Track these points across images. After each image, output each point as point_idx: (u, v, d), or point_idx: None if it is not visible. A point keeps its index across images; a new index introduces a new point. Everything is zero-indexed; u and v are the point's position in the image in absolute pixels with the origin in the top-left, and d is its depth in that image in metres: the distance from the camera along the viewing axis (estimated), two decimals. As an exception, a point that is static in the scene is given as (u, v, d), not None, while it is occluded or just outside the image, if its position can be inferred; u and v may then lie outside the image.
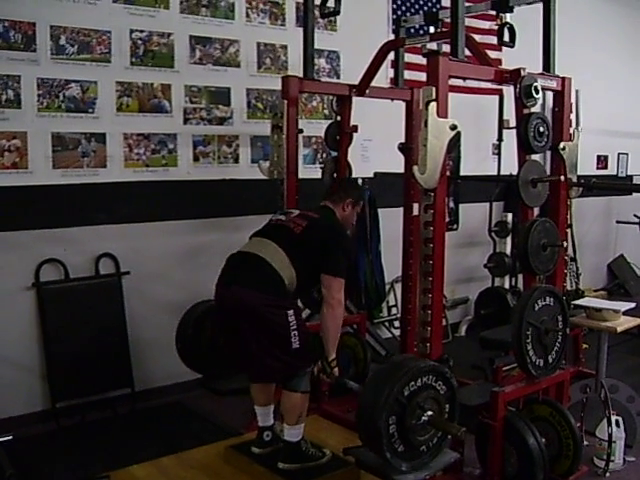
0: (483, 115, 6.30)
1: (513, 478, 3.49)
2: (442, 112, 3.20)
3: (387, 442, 2.93)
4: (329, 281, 3.47)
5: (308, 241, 3.51)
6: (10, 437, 3.98)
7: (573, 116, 6.65)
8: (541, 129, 3.61)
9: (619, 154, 8.32)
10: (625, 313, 3.99)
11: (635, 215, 7.50)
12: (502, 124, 6.06)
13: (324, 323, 3.52)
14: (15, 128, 4.28)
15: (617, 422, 3.87)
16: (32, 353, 4.46)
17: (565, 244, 3.95)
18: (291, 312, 3.36)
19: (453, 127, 3.23)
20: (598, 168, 8.03)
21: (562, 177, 3.78)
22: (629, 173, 8.48)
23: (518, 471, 3.47)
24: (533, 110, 3.67)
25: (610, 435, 3.80)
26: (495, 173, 6.50)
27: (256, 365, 3.51)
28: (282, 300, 3.39)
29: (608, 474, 3.81)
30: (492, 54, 5.51)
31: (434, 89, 3.17)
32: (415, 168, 3.23)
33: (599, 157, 8.07)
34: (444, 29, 4.43)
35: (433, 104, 3.16)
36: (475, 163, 6.54)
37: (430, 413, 3.03)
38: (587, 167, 7.42)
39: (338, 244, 3.56)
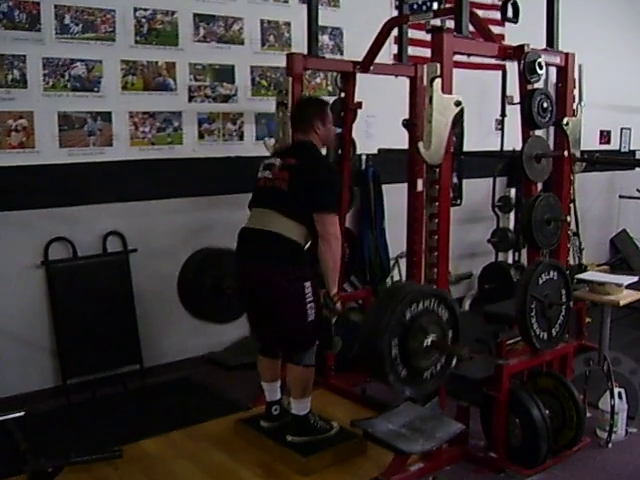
0: (486, 91, 6.30)
1: (517, 449, 3.56)
2: (447, 88, 3.24)
3: (390, 365, 2.92)
4: (321, 217, 3.47)
5: (297, 191, 3.50)
6: (23, 413, 4.03)
7: (576, 91, 6.68)
8: (545, 105, 3.64)
9: (622, 129, 8.30)
10: (628, 287, 4.03)
11: (638, 190, 7.51)
12: (505, 100, 6.07)
13: (322, 259, 3.49)
14: (22, 108, 4.30)
15: (620, 394, 3.91)
16: (42, 330, 4.53)
17: (569, 219, 3.98)
18: (308, 284, 3.45)
19: (458, 103, 3.27)
20: (601, 143, 8.03)
21: (565, 152, 3.81)
22: (632, 148, 8.47)
23: (522, 442, 3.53)
24: (537, 86, 3.70)
25: (613, 407, 3.84)
26: (498, 149, 6.50)
27: (271, 335, 3.67)
28: (299, 270, 3.47)
29: (610, 445, 3.86)
30: (495, 29, 5.52)
31: (439, 65, 3.21)
32: (420, 144, 3.27)
33: (602, 132, 8.07)
34: (447, 5, 4.44)
35: (438, 80, 3.20)
36: (478, 139, 6.54)
37: (433, 336, 3.03)
38: (590, 142, 7.41)
39: (322, 181, 3.53)
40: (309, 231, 3.51)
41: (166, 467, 3.57)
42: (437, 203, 3.38)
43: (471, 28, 3.60)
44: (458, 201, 6.63)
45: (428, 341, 3.01)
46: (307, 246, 3.54)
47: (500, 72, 6.23)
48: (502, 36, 6.01)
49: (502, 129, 6.47)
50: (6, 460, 3.55)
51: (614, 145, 8.25)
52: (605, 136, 8.11)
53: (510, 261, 6.41)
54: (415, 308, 2.99)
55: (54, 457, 3.42)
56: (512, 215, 6.41)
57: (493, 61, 4.78)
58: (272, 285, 3.45)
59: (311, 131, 3.72)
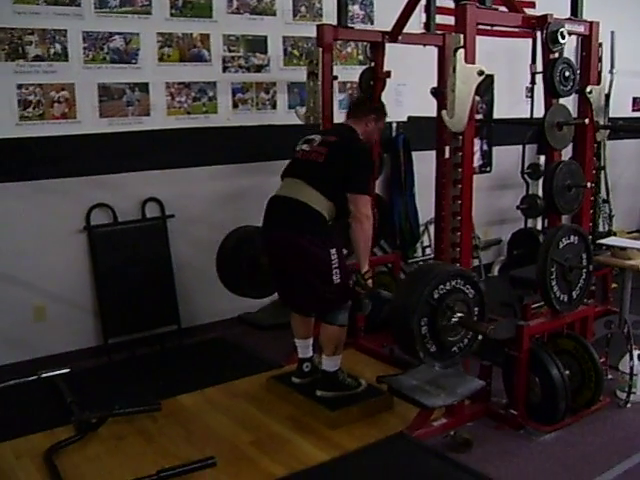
0: (516, 59, 6.31)
1: (537, 407, 3.69)
2: (470, 58, 3.33)
3: (420, 342, 3.14)
4: (354, 198, 3.61)
5: (332, 167, 3.64)
6: (68, 370, 4.25)
7: (608, 58, 6.68)
8: (567, 74, 3.71)
9: (656, 95, 8.26)
10: (650, 252, 4.13)
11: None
12: (532, 68, 6.09)
13: (354, 238, 3.66)
14: (63, 80, 4.47)
15: (639, 356, 4.00)
16: (85, 292, 4.75)
17: (591, 185, 4.05)
18: (334, 251, 3.59)
19: (480, 73, 3.36)
20: (634, 110, 7.98)
21: (587, 120, 3.87)
22: (666, 115, 8.42)
23: (542, 401, 3.67)
24: (562, 54, 3.76)
25: (632, 368, 3.94)
26: (528, 116, 6.54)
27: (301, 299, 3.82)
28: (325, 239, 3.60)
29: (629, 405, 3.96)
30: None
31: (462, 36, 3.30)
32: (444, 112, 3.38)
33: (635, 99, 8.00)
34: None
35: (461, 51, 3.29)
36: (508, 106, 6.58)
37: (460, 314, 3.22)
38: (622, 109, 7.40)
39: (358, 162, 3.68)
40: (336, 207, 3.65)
41: (202, 420, 3.76)
42: (460, 169, 3.49)
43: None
44: (488, 168, 6.70)
45: (455, 319, 3.20)
46: (330, 222, 3.66)
47: (531, 40, 6.25)
48: (533, 3, 6.04)
49: (532, 97, 6.49)
50: (54, 412, 3.80)
51: (647, 112, 8.20)
52: (638, 103, 8.05)
53: (539, 227, 6.46)
54: (442, 288, 3.18)
55: (98, 409, 3.66)
56: (541, 182, 6.44)
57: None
58: (299, 250, 3.58)
59: (362, 121, 3.92)
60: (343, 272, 3.64)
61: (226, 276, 4.21)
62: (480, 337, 3.34)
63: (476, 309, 3.33)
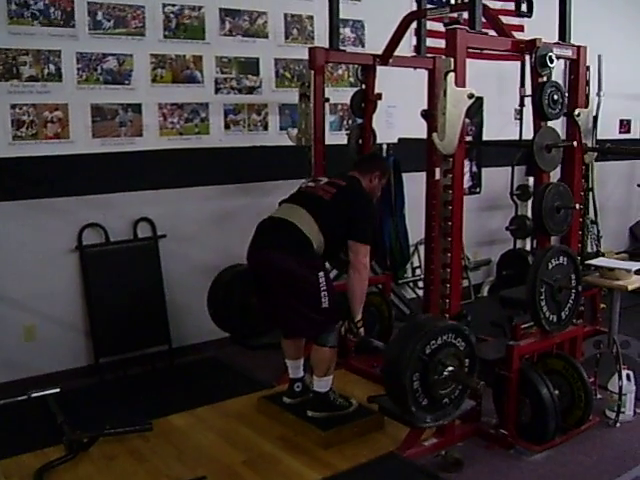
0: (505, 81, 6.39)
1: (527, 427, 3.71)
2: (460, 82, 3.38)
3: (412, 397, 3.20)
4: (356, 247, 3.68)
5: (336, 207, 3.70)
6: (58, 389, 4.26)
7: (595, 81, 6.76)
8: (555, 97, 3.76)
9: (642, 118, 8.35)
10: (637, 272, 4.16)
11: (656, 179, 7.57)
12: (523, 90, 6.17)
13: (351, 286, 3.74)
14: (57, 100, 4.50)
15: (628, 376, 4.03)
16: (76, 312, 4.74)
17: (579, 207, 4.10)
18: (321, 274, 3.61)
19: (471, 96, 3.41)
20: (621, 132, 8.07)
21: (575, 142, 3.93)
22: (652, 137, 8.52)
23: (532, 420, 3.69)
24: (553, 78, 3.82)
25: (621, 388, 3.96)
26: (517, 138, 6.60)
27: (288, 323, 3.82)
28: (312, 261, 3.63)
29: (619, 424, 3.98)
30: (515, 20, 5.66)
31: (452, 60, 3.35)
32: (435, 135, 3.43)
33: (622, 121, 8.10)
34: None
35: (451, 74, 3.34)
36: (497, 128, 6.64)
37: (451, 368, 3.29)
38: (610, 131, 7.49)
39: (365, 211, 3.77)
40: (325, 245, 3.68)
41: (194, 440, 3.76)
42: (451, 191, 3.53)
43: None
44: (477, 189, 6.75)
45: (447, 373, 3.28)
46: (316, 251, 3.68)
47: (519, 62, 6.33)
48: (521, 27, 6.11)
49: (521, 119, 6.56)
50: (45, 432, 3.79)
51: (634, 134, 8.27)
52: (625, 125, 8.15)
53: (528, 248, 6.51)
54: (434, 343, 3.24)
55: (89, 429, 3.66)
56: (530, 203, 6.50)
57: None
58: (286, 271, 3.59)
59: (368, 177, 3.99)
60: (331, 295, 3.65)
61: (218, 317, 4.26)
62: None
63: (467, 361, 3.40)
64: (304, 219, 3.66)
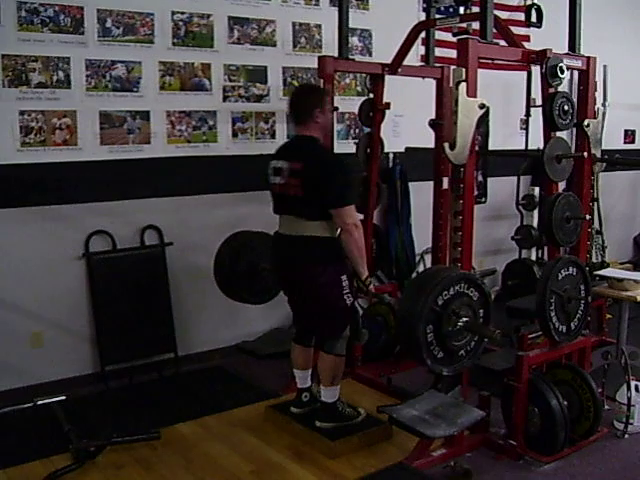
0: (511, 91, 6.38)
1: (536, 438, 3.70)
2: (471, 92, 3.38)
3: (426, 350, 3.18)
4: (337, 212, 3.55)
5: (312, 196, 3.59)
6: (64, 397, 4.26)
7: (601, 91, 6.77)
8: (565, 107, 3.77)
9: (647, 128, 8.37)
10: (646, 283, 4.17)
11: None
12: (530, 100, 6.17)
13: (347, 248, 3.60)
14: (65, 107, 4.51)
15: (636, 387, 4.01)
16: (83, 319, 4.74)
17: (588, 217, 4.11)
18: (344, 277, 3.64)
19: (482, 106, 3.42)
20: (625, 142, 8.08)
21: (585, 153, 3.93)
22: (657, 147, 8.53)
23: (541, 431, 3.68)
24: (560, 88, 3.83)
25: (629, 399, 3.95)
26: (523, 148, 6.60)
27: (312, 320, 3.87)
28: (335, 266, 3.64)
29: (627, 436, 3.97)
30: (521, 30, 5.66)
31: (464, 70, 3.35)
32: (446, 145, 3.42)
33: (627, 131, 8.11)
34: (473, 7, 4.56)
35: (463, 84, 3.35)
36: (503, 138, 6.65)
37: (465, 319, 3.26)
38: (614, 141, 7.50)
39: (332, 180, 3.56)
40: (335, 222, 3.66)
41: (201, 449, 3.74)
42: (461, 201, 3.53)
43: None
44: (483, 199, 6.75)
45: (461, 323, 3.24)
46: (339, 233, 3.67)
47: (526, 73, 6.34)
48: (528, 37, 6.12)
49: (527, 129, 6.55)
50: (51, 440, 3.77)
51: (639, 144, 8.29)
52: (630, 135, 8.15)
53: (533, 258, 6.50)
54: (446, 294, 3.21)
55: (96, 437, 3.64)
56: (536, 213, 6.49)
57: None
58: (311, 283, 3.65)
59: (311, 122, 3.72)
60: (352, 298, 3.70)
61: (224, 282, 4.25)
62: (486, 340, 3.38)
63: (481, 311, 3.38)
64: (306, 226, 3.63)
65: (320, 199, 3.56)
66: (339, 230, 3.63)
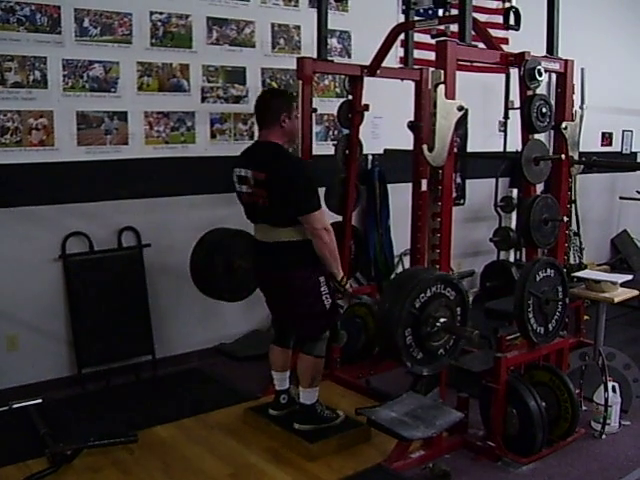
0: (490, 93, 6.42)
1: (514, 439, 3.72)
2: (450, 94, 3.39)
3: (406, 353, 3.21)
4: (306, 218, 3.53)
5: (279, 205, 3.58)
6: (40, 400, 4.22)
7: (578, 94, 6.82)
8: (543, 110, 3.78)
9: (624, 131, 8.41)
10: (623, 285, 4.20)
11: (637, 191, 7.62)
12: (508, 103, 6.20)
13: (320, 253, 3.58)
14: (42, 107, 4.46)
15: (613, 388, 4.05)
16: (59, 322, 4.69)
17: (566, 219, 4.13)
18: (322, 279, 3.65)
19: (460, 108, 3.43)
20: (603, 145, 8.15)
21: (563, 156, 3.95)
22: (633, 150, 8.59)
23: (519, 432, 3.70)
24: (538, 90, 3.85)
25: (606, 400, 3.98)
26: (501, 150, 6.63)
27: (293, 320, 3.88)
28: (313, 268, 3.64)
29: (604, 436, 4.00)
30: (499, 33, 5.68)
31: (442, 72, 3.36)
32: (424, 147, 3.42)
33: (604, 134, 8.18)
34: (452, 9, 4.57)
35: (441, 86, 3.35)
36: (482, 140, 6.68)
37: (443, 320, 3.28)
38: (592, 144, 7.56)
39: (297, 187, 3.53)
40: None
41: (179, 452, 3.72)
42: (440, 203, 3.53)
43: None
44: (461, 201, 6.78)
45: (439, 324, 3.25)
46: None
47: (504, 75, 6.37)
48: (506, 39, 6.14)
49: (505, 131, 6.59)
50: (26, 443, 3.73)
51: (616, 147, 8.36)
52: (607, 138, 8.23)
53: (512, 260, 6.54)
54: (424, 296, 3.22)
55: (72, 441, 3.61)
56: (514, 215, 6.52)
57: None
58: (290, 287, 3.66)
59: (276, 125, 3.66)
60: (331, 299, 3.71)
61: (200, 279, 4.24)
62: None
63: (458, 309, 3.39)
64: (279, 232, 3.63)
65: (287, 208, 3.55)
66: (313, 239, 3.60)
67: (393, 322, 3.14)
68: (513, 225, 6.50)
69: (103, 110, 4.69)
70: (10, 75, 4.33)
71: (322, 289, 3.64)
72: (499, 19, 5.41)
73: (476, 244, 6.76)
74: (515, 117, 5.26)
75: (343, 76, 4.92)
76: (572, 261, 7.01)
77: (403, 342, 3.16)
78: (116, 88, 4.72)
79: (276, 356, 3.99)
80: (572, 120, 4.08)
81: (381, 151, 5.72)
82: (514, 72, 3.98)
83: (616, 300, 4.08)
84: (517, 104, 4.03)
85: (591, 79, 7.06)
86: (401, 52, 5.33)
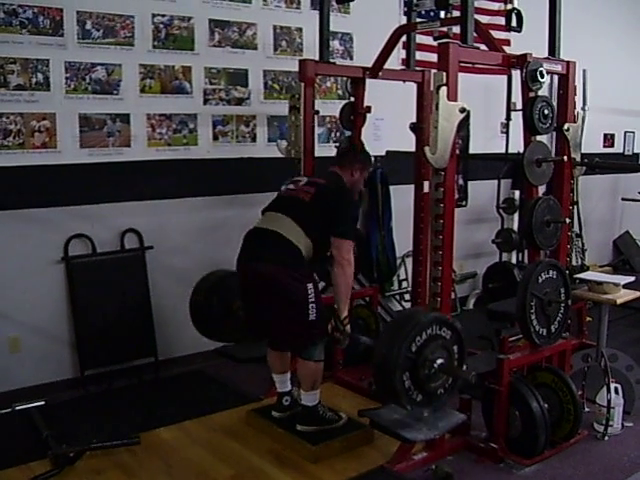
0: (492, 95, 6.43)
1: (517, 440, 3.71)
2: (452, 96, 3.38)
3: (405, 396, 3.17)
4: (338, 242, 3.63)
5: (318, 208, 3.67)
6: (43, 402, 4.23)
7: (580, 95, 6.82)
8: (546, 112, 3.79)
9: (626, 132, 8.41)
10: (625, 286, 4.18)
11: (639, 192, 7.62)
12: (510, 104, 6.21)
13: (335, 282, 3.67)
14: (44, 109, 4.47)
15: (616, 389, 4.04)
16: (62, 324, 4.69)
17: (568, 221, 4.13)
18: (310, 285, 3.59)
19: (462, 110, 3.42)
20: (604, 146, 8.15)
21: (565, 157, 3.95)
22: (635, 151, 8.58)
23: (521, 434, 3.69)
24: (540, 92, 3.85)
25: (609, 401, 3.97)
26: (503, 151, 6.64)
27: (275, 334, 3.80)
28: (302, 272, 3.59)
29: (607, 438, 3.99)
30: (501, 35, 5.68)
31: (444, 74, 3.35)
32: (427, 148, 3.42)
33: (606, 135, 8.18)
34: (454, 11, 4.58)
35: (444, 88, 3.35)
36: (484, 141, 6.68)
37: (440, 361, 3.24)
38: (594, 145, 7.54)
39: (346, 208, 3.74)
40: (314, 248, 3.65)
41: (182, 454, 3.72)
42: (442, 205, 3.53)
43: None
44: (464, 202, 6.77)
45: (436, 366, 3.23)
46: (305, 258, 3.64)
47: (506, 77, 6.37)
48: (508, 41, 6.15)
49: (507, 132, 6.60)
50: (29, 445, 3.74)
51: (618, 148, 8.36)
52: (609, 139, 8.23)
53: (514, 261, 6.54)
54: (419, 339, 3.20)
55: (75, 443, 3.61)
56: (516, 216, 6.54)
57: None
58: (275, 283, 3.57)
59: (348, 171, 3.98)
60: (319, 307, 3.63)
61: (200, 323, 4.21)
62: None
63: (455, 347, 3.36)
64: (290, 227, 3.63)
65: (325, 216, 3.63)
66: (333, 265, 3.65)
67: (391, 366, 3.13)
68: (515, 227, 6.51)
69: (105, 112, 4.69)
70: (13, 77, 4.33)
71: (309, 295, 3.57)
72: (501, 21, 5.46)
73: (478, 246, 6.77)
74: (517, 119, 5.28)
75: (345, 78, 4.94)
76: (574, 263, 6.99)
77: (402, 386, 3.15)
78: (118, 90, 4.72)
79: (273, 359, 3.99)
80: (574, 122, 4.08)
81: (383, 153, 5.71)
82: (516, 74, 3.96)
83: (619, 302, 4.07)
84: (519, 106, 4.04)
85: (593, 80, 7.06)
86: (403, 54, 5.33)
